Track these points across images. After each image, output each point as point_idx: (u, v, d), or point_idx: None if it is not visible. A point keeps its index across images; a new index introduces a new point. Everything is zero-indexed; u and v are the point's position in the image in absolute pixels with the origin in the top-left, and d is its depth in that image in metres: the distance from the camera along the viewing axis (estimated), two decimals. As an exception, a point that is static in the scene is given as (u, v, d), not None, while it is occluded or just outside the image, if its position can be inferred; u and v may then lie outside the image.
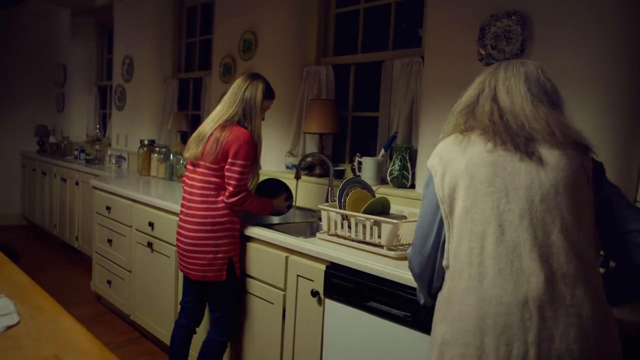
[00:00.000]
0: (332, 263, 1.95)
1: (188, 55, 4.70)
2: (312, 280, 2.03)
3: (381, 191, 2.54)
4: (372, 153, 2.93)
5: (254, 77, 2.34)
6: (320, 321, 2.00)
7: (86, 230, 4.62)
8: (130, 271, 3.27)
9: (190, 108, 4.59)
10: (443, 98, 2.35)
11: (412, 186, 2.56)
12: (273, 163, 3.33)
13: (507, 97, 1.29)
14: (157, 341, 3.09)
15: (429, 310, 1.62)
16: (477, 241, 1.20)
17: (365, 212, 2.01)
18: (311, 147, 3.19)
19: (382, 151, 2.73)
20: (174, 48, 4.71)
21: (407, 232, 1.94)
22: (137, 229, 3.17)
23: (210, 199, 2.23)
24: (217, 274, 2.23)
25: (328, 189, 2.72)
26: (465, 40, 2.25)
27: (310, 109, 3.02)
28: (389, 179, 2.62)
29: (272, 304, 2.22)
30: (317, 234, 2.18)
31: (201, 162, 2.25)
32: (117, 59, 5.10)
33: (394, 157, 2.60)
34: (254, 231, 2.30)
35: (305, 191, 3.00)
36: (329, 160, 2.80)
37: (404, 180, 2.57)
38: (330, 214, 2.12)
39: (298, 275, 2.10)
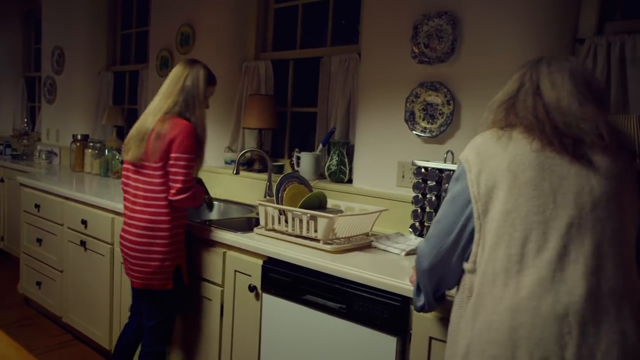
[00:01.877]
0: (270, 258, 1.96)
1: (124, 47, 4.55)
2: (250, 275, 2.03)
3: (319, 186, 2.57)
4: (311, 148, 2.95)
5: (192, 63, 2.17)
6: (258, 316, 2.00)
7: (12, 230, 4.38)
8: (61, 271, 3.13)
9: (126, 102, 4.45)
10: (378, 94, 2.41)
11: (350, 181, 2.61)
12: (212, 159, 3.28)
13: (553, 91, 1.19)
14: (91, 343, 2.98)
15: (364, 302, 1.67)
16: (516, 247, 1.10)
17: (302, 206, 2.03)
18: (250, 142, 3.18)
19: (320, 146, 2.76)
20: (108, 39, 4.54)
21: (343, 226, 1.97)
22: (69, 227, 3.04)
23: (157, 202, 2.04)
24: (163, 282, 2.07)
25: (267, 185, 2.72)
26: (400, 38, 2.31)
27: (249, 104, 3.00)
28: (326, 173, 2.65)
29: (211, 300, 2.20)
30: (255, 229, 2.18)
31: (145, 163, 2.05)
32: (46, 49, 4.86)
33: (331, 152, 2.64)
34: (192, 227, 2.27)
35: (244, 187, 2.99)
36: (268, 155, 2.81)
37: (341, 175, 2.61)
38: (267, 209, 2.12)
39: (236, 271, 2.09)
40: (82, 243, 2.90)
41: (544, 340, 1.04)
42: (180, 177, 2.02)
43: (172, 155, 2.02)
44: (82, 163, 4.07)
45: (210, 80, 2.19)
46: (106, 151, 3.85)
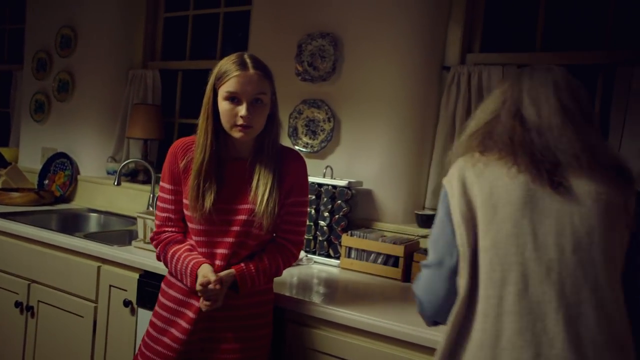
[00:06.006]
0: (146, 271, 1.91)
1: (-5, 45, 4.18)
2: (126, 290, 1.96)
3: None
4: (198, 160, 2.92)
5: None
6: (133, 331, 1.94)
7: None
8: None
9: (-3, 105, 4.08)
10: (265, 109, 2.45)
11: (236, 193, 2.62)
12: (94, 169, 3.13)
13: (533, 109, 1.10)
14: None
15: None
16: (494, 289, 1.01)
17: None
18: (135, 152, 3.07)
19: (208, 158, 2.74)
20: (-23, 36, 4.15)
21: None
22: None
23: None
24: None
25: (150, 196, 2.65)
26: (285, 55, 2.38)
27: (134, 113, 2.91)
28: (213, 186, 2.63)
29: (82, 317, 2.08)
30: (133, 242, 2.11)
31: None
32: None
33: (218, 165, 2.63)
34: (58, 239, 2.16)
35: (127, 198, 2.88)
36: (153, 167, 2.73)
37: (227, 188, 2.61)
38: (146, 222, 2.07)
39: (111, 286, 2.01)
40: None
41: None
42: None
43: None
44: (-59, 170, 3.66)
45: (224, 72, 1.43)
46: (-29, 158, 3.51)
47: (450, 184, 1.11)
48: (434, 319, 1.15)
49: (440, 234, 1.12)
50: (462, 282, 1.05)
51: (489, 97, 1.20)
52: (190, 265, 1.42)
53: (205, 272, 1.38)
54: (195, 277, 1.40)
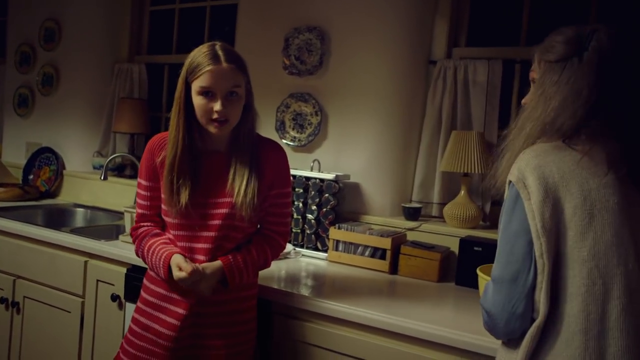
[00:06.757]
0: (133, 265, 1.91)
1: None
2: (113, 284, 1.96)
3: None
4: (186, 154, 2.91)
5: None
6: (121, 326, 1.93)
7: None
8: None
9: (-20, 99, 4.02)
10: (252, 103, 2.45)
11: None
12: (79, 163, 3.11)
13: (629, 89, 0.99)
14: None
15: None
16: (596, 304, 0.94)
17: (170, 213, 2.00)
18: (122, 147, 3.05)
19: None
20: (-41, 29, 4.08)
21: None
22: None
23: None
24: None
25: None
26: (272, 49, 2.38)
27: (120, 107, 2.90)
28: (200, 180, 2.63)
29: (69, 312, 2.08)
30: (120, 237, 2.11)
31: None
32: None
33: (206, 159, 2.63)
34: (44, 234, 2.14)
35: (114, 193, 2.86)
36: (139, 161, 2.71)
37: (215, 182, 2.61)
38: (134, 216, 2.06)
39: (98, 280, 2.01)
40: None
41: None
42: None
43: None
44: None
45: (196, 66, 1.40)
46: (-47, 153, 3.46)
47: (523, 184, 0.98)
48: (509, 337, 1.04)
49: (512, 245, 1.00)
50: (542, 296, 0.97)
51: (552, 60, 1.02)
52: (163, 257, 1.40)
53: (179, 262, 1.37)
54: (167, 268, 1.39)
